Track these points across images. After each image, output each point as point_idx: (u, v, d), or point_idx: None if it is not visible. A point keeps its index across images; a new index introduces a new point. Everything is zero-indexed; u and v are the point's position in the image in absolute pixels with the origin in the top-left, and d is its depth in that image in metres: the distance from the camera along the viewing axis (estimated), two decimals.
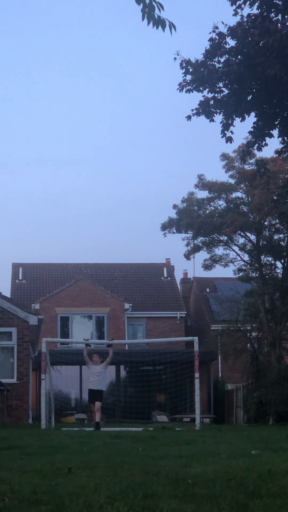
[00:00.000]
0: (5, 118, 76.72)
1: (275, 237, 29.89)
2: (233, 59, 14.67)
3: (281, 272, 29.63)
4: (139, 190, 79.09)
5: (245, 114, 15.36)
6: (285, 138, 16.46)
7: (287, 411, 24.85)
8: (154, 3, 6.47)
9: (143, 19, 6.52)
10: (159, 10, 6.53)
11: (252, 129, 15.89)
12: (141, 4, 6.44)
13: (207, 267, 31.63)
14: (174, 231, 30.52)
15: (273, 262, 30.35)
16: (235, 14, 14.58)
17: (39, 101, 77.35)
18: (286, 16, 14.33)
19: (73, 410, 31.44)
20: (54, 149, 76.85)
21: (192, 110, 15.36)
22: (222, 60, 14.90)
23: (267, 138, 15.99)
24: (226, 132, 15.45)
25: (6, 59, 74.69)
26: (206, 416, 29.71)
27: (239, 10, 14.55)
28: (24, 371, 21.76)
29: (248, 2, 14.28)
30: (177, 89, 15.25)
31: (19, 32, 75.63)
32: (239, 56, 14.60)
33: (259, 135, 15.82)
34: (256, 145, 16.07)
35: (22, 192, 75.63)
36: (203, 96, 15.29)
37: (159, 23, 6.63)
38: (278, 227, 29.61)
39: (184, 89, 15.20)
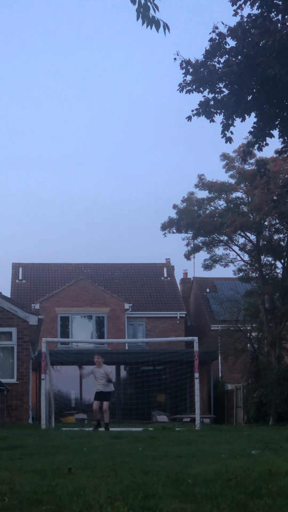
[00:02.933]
0: (4, 118, 76.76)
1: (275, 237, 29.89)
2: (233, 59, 14.66)
3: (281, 272, 29.62)
4: (139, 190, 79.13)
5: (245, 114, 15.34)
6: (286, 138, 16.46)
7: (287, 411, 24.85)
8: (149, 3, 6.47)
9: (137, 18, 6.53)
10: (154, 11, 6.53)
11: (252, 129, 15.88)
12: (136, 4, 6.45)
13: (207, 267, 31.63)
14: (174, 231, 30.53)
15: (273, 262, 30.35)
16: (235, 14, 14.57)
17: (39, 101, 77.40)
18: (286, 16, 14.32)
19: (73, 410, 31.44)
20: (54, 149, 76.90)
21: (192, 110, 15.36)
22: (222, 60, 14.89)
23: (267, 138, 15.99)
24: (226, 132, 15.44)
25: (6, 58, 74.70)
26: (206, 416, 29.70)
27: (239, 11, 14.55)
28: (24, 371, 21.75)
29: (248, 2, 14.28)
30: (177, 89, 15.25)
31: (17, 30, 75.65)
32: (239, 57, 14.59)
33: (259, 135, 15.81)
34: (257, 145, 16.07)
35: (22, 192, 75.66)
36: (203, 96, 15.28)
37: (154, 23, 6.63)
38: (278, 227, 29.61)
39: (184, 90, 15.19)
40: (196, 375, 18.74)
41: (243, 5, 14.43)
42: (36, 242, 73.24)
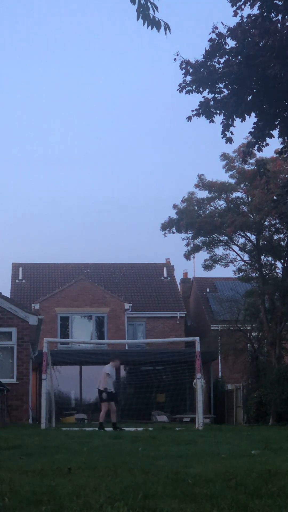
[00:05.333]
0: (4, 118, 76.76)
1: (275, 237, 29.88)
2: (233, 59, 14.65)
3: (281, 272, 29.62)
4: (139, 190, 79.12)
5: (245, 114, 15.32)
6: (285, 138, 16.44)
7: (287, 411, 24.85)
8: (148, 3, 6.44)
9: (137, 19, 6.49)
10: (153, 11, 6.50)
11: (252, 130, 15.87)
12: (136, 4, 6.41)
13: (207, 267, 31.63)
14: (174, 231, 30.51)
15: (273, 262, 30.34)
16: (235, 15, 14.56)
17: (39, 101, 77.40)
18: (286, 17, 14.31)
19: (73, 410, 31.43)
20: (54, 149, 76.89)
21: (192, 111, 15.34)
22: (222, 60, 14.87)
23: (267, 138, 15.97)
24: (226, 132, 15.42)
25: (6, 58, 74.72)
26: (206, 416, 29.66)
27: (239, 11, 14.53)
28: (24, 371, 21.76)
29: (248, 3, 14.27)
30: (177, 90, 15.23)
31: (17, 31, 75.69)
32: (239, 57, 14.58)
33: (259, 135, 15.79)
34: (257, 145, 16.05)
35: (22, 192, 75.65)
36: (203, 97, 15.27)
37: (154, 23, 6.59)
38: (278, 227, 29.59)
39: (184, 90, 15.17)
40: (198, 375, 18.75)
41: (242, 6, 14.42)
42: (36, 242, 73.28)
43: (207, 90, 15.18)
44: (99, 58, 78.36)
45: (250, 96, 15.14)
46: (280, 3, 14.20)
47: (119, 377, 34.26)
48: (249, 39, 14.32)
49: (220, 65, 14.88)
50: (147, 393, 30.17)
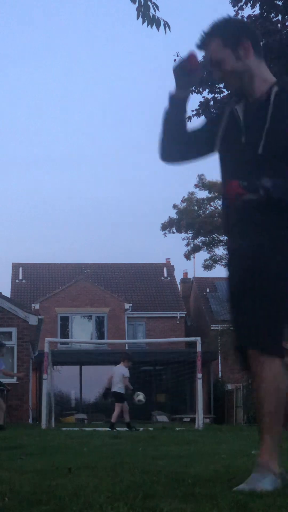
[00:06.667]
0: (4, 118, 76.79)
1: None
2: None
3: None
4: (139, 190, 79.15)
5: None
6: None
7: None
8: (149, 3, 6.45)
9: (137, 17, 6.51)
10: (154, 10, 6.51)
11: None
12: (137, 3, 6.43)
13: (207, 267, 31.73)
14: (174, 231, 30.62)
15: None
16: (236, 15, 14.57)
17: (38, 101, 77.41)
18: (286, 17, 14.33)
19: (73, 410, 31.44)
20: (54, 149, 76.92)
21: (192, 111, 15.39)
22: None
23: None
24: None
25: (5, 58, 74.74)
26: (206, 416, 29.69)
27: (240, 12, 14.56)
28: (24, 371, 21.77)
29: (249, 4, 14.29)
30: None
31: (16, 30, 75.69)
32: None
33: None
34: None
35: (22, 192, 75.68)
36: (203, 97, 15.30)
37: (154, 21, 6.60)
38: None
39: None
40: (199, 375, 18.76)
41: (244, 6, 14.45)
42: (36, 242, 73.32)
43: (207, 90, 15.21)
44: (99, 58, 78.39)
45: None
46: (280, 3, 14.23)
47: None
48: None
49: None
50: (147, 393, 30.16)
